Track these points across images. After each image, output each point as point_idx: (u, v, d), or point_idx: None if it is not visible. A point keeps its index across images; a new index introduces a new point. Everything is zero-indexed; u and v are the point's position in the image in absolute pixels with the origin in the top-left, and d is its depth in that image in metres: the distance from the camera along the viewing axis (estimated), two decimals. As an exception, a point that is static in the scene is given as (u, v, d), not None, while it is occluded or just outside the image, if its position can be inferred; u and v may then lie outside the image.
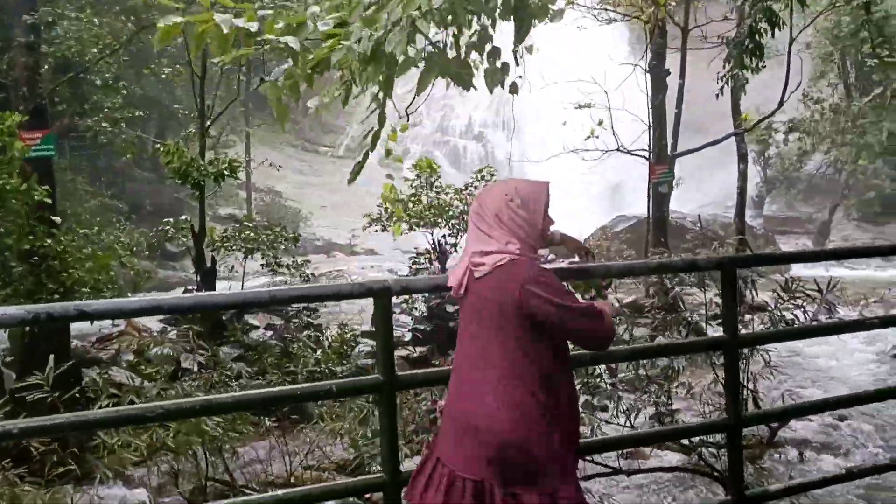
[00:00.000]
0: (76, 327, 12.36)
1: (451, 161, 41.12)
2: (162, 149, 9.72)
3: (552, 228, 2.87)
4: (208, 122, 10.73)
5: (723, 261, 3.07)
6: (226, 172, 10.41)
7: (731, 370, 3.09)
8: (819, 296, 4.91)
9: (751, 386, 7.53)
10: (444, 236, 12.55)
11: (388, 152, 11.24)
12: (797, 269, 17.51)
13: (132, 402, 5.03)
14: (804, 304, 5.17)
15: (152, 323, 12.42)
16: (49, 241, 7.84)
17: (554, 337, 2.54)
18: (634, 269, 3.05)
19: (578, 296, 2.90)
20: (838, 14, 17.54)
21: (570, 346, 2.69)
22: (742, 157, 13.78)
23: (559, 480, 2.45)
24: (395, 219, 12.62)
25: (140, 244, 16.78)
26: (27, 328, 8.47)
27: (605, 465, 6.28)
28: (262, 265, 10.94)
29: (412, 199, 12.44)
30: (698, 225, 18.99)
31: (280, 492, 2.49)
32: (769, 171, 23.71)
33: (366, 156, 3.08)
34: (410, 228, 12.25)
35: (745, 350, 5.97)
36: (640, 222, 18.02)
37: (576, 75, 14.34)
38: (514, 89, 4.81)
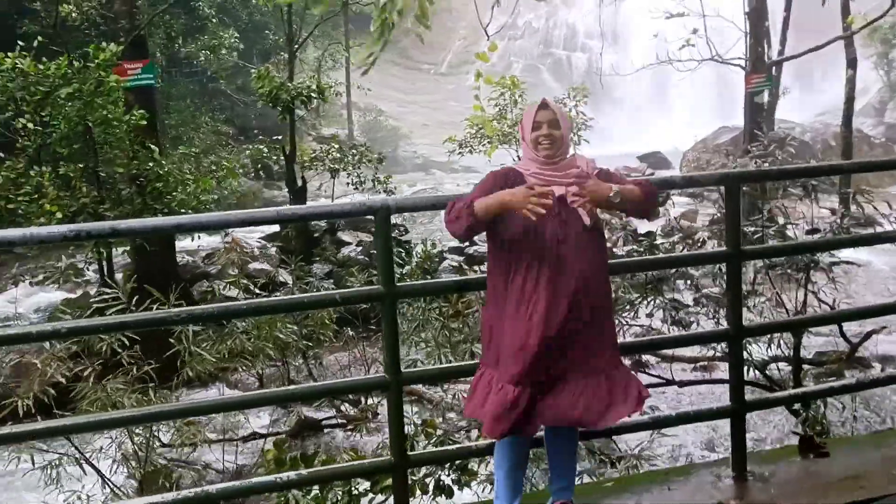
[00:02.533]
0: (186, 246, 13.39)
1: (554, 75, 40.26)
2: (253, 74, 10.18)
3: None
4: (296, 47, 11.08)
5: (725, 177, 3.13)
6: (313, 95, 10.81)
7: (734, 281, 3.20)
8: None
9: (819, 297, 7.48)
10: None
11: (479, 75, 11.32)
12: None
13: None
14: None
15: (254, 241, 13.27)
16: (151, 164, 8.51)
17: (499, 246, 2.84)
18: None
19: None
20: None
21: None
22: (850, 63, 12.96)
23: None
24: (487, 139, 12.72)
25: (245, 165, 17.70)
26: (137, 252, 9.35)
27: (659, 377, 6.46)
28: (346, 183, 11.40)
29: (496, 118, 12.47)
30: (806, 135, 18.11)
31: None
32: (893, 75, 22.02)
33: (382, 45, 3.25)
34: (495, 148, 12.33)
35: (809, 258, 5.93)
36: (742, 134, 17.36)
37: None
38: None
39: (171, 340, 5.44)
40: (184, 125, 18.18)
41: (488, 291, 2.91)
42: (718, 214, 7.55)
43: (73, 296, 11.43)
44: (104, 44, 8.04)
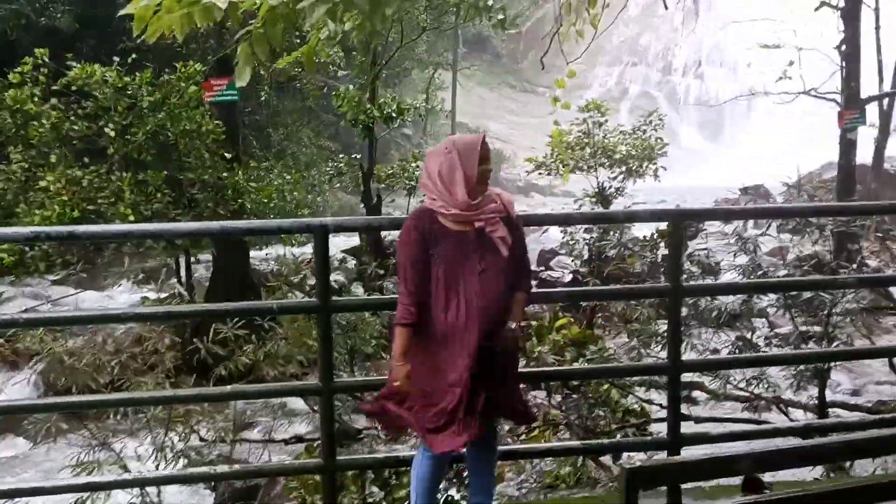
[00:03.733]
0: (286, 253, 14.10)
1: (669, 100, 39.46)
2: (334, 93, 10.67)
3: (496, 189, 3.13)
4: (378, 69, 11.53)
5: (668, 213, 3.16)
6: (394, 115, 11.21)
7: (673, 316, 3.20)
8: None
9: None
10: (609, 178, 12.52)
11: (556, 100, 11.42)
12: None
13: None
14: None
15: (337, 252, 13.80)
16: (226, 174, 9.12)
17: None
18: (571, 217, 3.17)
19: None
20: None
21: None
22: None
23: None
24: (561, 163, 12.76)
25: (342, 179, 18.42)
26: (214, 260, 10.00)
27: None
28: (420, 201, 11.63)
29: (578, 142, 12.48)
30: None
31: (229, 387, 3.08)
32: None
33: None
34: (571, 171, 12.34)
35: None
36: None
37: (790, 12, 13.39)
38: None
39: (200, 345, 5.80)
40: (288, 139, 19.10)
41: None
42: (811, 251, 7.32)
43: (162, 294, 12.35)
44: (191, 62, 8.73)
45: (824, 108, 14.68)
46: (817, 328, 5.92)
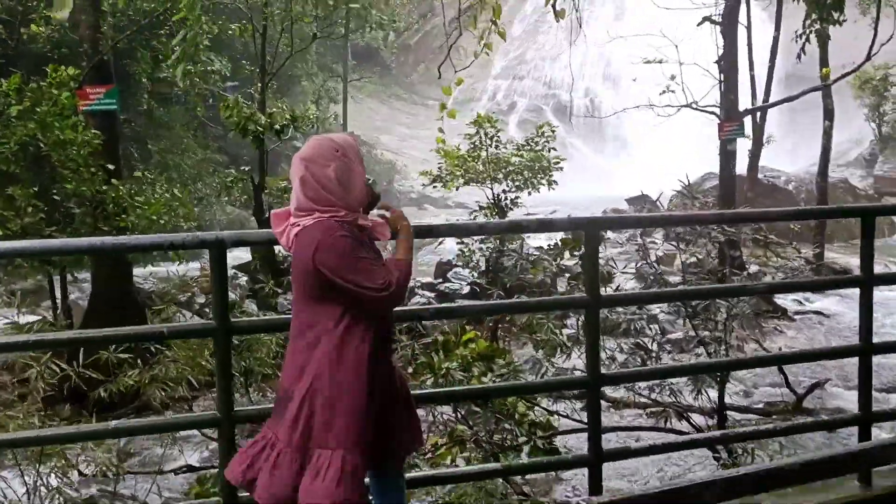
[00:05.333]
0: (168, 272, 13.38)
1: (557, 115, 40.42)
2: (221, 103, 10.23)
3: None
4: (268, 78, 11.16)
5: (581, 221, 3.08)
6: (285, 126, 10.85)
7: (592, 330, 3.12)
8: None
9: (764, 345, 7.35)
10: (503, 191, 12.57)
11: (443, 107, 11.36)
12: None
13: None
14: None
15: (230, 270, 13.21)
16: (106, 187, 8.53)
17: (351, 306, 2.63)
18: (485, 227, 3.02)
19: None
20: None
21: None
22: (827, 114, 12.98)
23: (338, 446, 2.56)
24: (457, 176, 12.72)
25: (232, 193, 17.77)
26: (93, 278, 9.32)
27: (580, 421, 6.33)
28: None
29: (471, 154, 12.48)
30: (790, 185, 18.07)
31: (113, 423, 2.78)
32: (884, 128, 22.03)
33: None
34: (466, 184, 12.33)
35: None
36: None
37: (665, 27, 13.86)
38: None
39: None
40: (171, 151, 18.29)
41: (331, 349, 2.67)
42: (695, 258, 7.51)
43: (32, 318, 11.44)
44: (62, 67, 8.12)
45: (705, 120, 15.36)
46: (706, 332, 6.09)
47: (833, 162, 24.40)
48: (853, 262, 13.08)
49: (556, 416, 5.49)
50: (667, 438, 3.85)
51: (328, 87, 27.01)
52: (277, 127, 10.77)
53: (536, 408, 5.43)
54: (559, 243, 6.22)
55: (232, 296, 11.62)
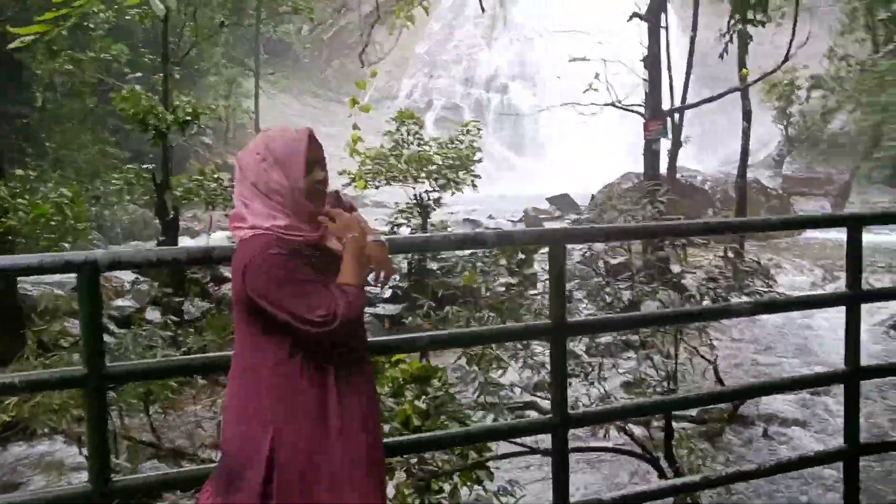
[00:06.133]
0: (59, 280, 12.31)
1: (475, 114, 40.22)
2: (115, 94, 9.36)
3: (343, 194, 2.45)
4: (172, 68, 10.31)
5: (546, 235, 2.60)
6: (188, 119, 10.04)
7: (558, 362, 2.65)
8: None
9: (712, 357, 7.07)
10: (426, 191, 12.11)
11: (353, 102, 10.74)
12: (811, 233, 16.80)
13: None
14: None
15: (126, 275, 12.20)
16: (-18, 188, 7.60)
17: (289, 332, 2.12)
18: (438, 244, 2.55)
19: None
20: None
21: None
22: (745, 115, 13.03)
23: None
24: (368, 173, 12.15)
25: (134, 191, 16.64)
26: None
27: (522, 445, 5.91)
28: (224, 215, 10.60)
29: (393, 152, 11.95)
30: (706, 185, 18.28)
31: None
32: (791, 129, 22.68)
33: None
34: (387, 183, 11.80)
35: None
36: (642, 180, 17.35)
37: (594, 25, 13.66)
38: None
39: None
40: (65, 147, 17.01)
41: (262, 379, 2.17)
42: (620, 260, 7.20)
43: None
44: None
45: (629, 119, 15.27)
46: (635, 336, 5.76)
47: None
48: (768, 259, 13.19)
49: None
50: (647, 486, 3.42)
51: (239, 81, 25.91)
52: (179, 121, 9.95)
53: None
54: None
55: (129, 304, 10.65)
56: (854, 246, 2.87)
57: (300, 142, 2.21)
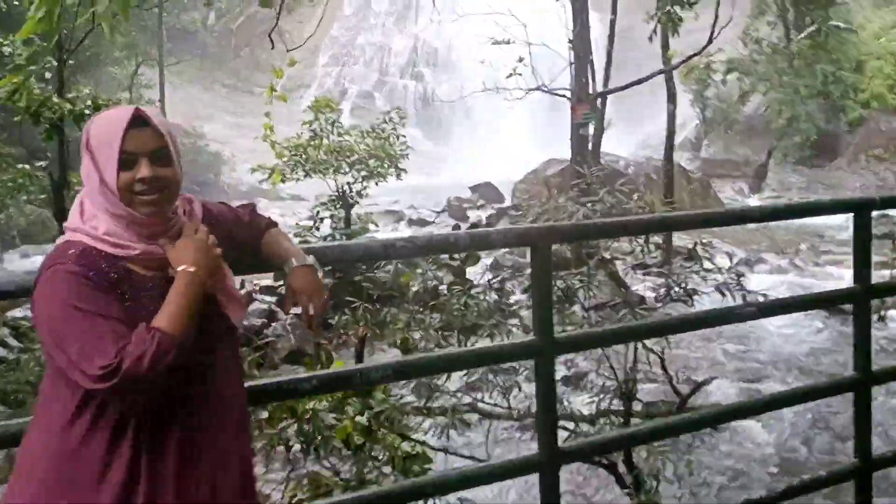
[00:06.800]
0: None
1: (390, 102, 39.52)
2: (2, 83, 8.40)
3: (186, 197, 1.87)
4: (65, 56, 9.41)
5: (529, 235, 2.15)
6: (87, 113, 9.17)
7: (545, 386, 2.21)
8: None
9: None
10: (347, 183, 11.55)
11: (272, 89, 10.09)
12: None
13: None
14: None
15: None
16: None
17: None
18: (399, 250, 2.09)
19: None
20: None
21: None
22: (671, 98, 12.96)
23: None
24: (286, 165, 11.52)
25: (30, 190, 15.44)
26: None
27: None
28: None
29: (311, 143, 11.33)
30: (630, 169, 18.28)
31: None
32: (708, 112, 23.03)
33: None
34: (307, 175, 11.19)
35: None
36: (570, 166, 17.19)
37: (507, 7, 13.26)
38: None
39: None
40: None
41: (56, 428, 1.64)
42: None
43: None
44: None
45: (555, 104, 15.00)
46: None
47: (659, 146, 25.39)
48: (703, 243, 13.15)
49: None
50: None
51: (141, 71, 24.54)
52: (78, 113, 9.07)
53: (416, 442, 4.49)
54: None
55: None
56: (861, 235, 2.54)
57: (116, 125, 1.66)
